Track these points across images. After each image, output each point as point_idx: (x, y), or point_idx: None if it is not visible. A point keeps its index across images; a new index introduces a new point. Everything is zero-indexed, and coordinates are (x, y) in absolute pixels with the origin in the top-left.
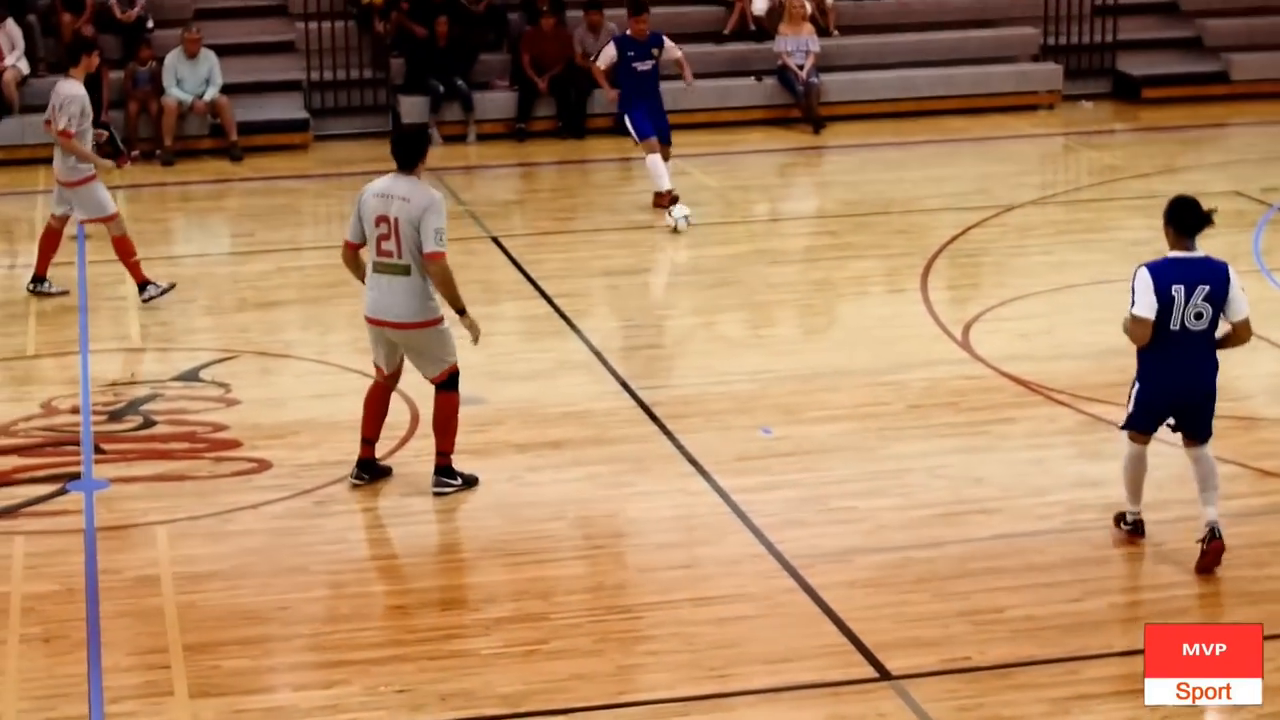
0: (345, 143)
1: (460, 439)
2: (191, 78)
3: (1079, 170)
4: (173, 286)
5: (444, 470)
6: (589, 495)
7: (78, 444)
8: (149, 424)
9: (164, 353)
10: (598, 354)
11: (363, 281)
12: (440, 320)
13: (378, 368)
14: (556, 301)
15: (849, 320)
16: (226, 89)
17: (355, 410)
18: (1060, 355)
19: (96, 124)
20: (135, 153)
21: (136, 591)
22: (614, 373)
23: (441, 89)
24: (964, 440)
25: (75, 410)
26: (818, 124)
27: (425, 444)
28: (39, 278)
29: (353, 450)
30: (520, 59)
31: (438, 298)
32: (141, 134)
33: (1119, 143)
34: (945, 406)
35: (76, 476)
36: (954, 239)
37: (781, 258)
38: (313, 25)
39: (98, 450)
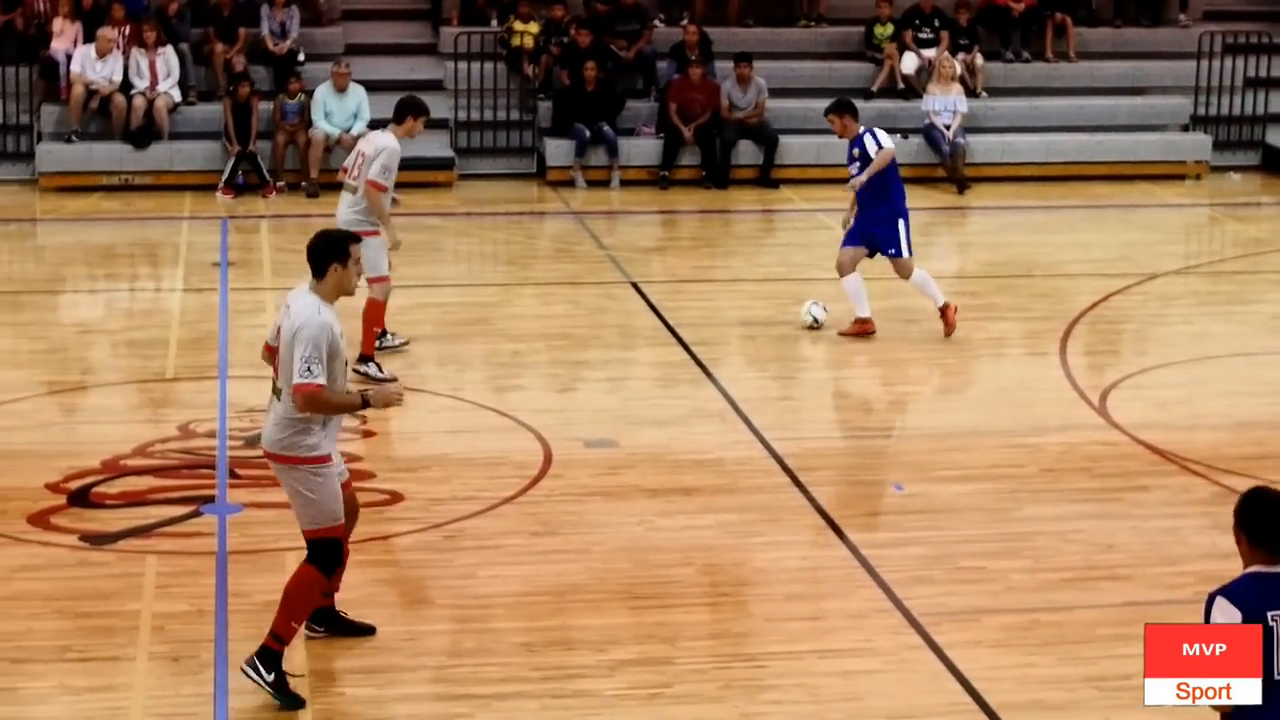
0: (489, 182)
1: (592, 480)
2: (340, 111)
3: (1224, 241)
4: (393, 380)
5: (265, 655)
6: (718, 543)
7: (213, 468)
8: None
9: None
10: (732, 403)
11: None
12: (316, 461)
13: None
14: (693, 349)
15: (986, 381)
16: (374, 124)
17: (488, 447)
18: (1197, 425)
19: (244, 155)
20: (280, 184)
21: (265, 616)
22: (748, 422)
23: (588, 133)
24: (1097, 506)
25: (212, 434)
26: (962, 184)
27: (557, 484)
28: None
29: (485, 487)
30: (667, 107)
31: (318, 436)
32: (288, 165)
33: (1265, 215)
34: (1079, 471)
35: (211, 500)
36: (1095, 305)
37: (920, 315)
38: (462, 65)
39: (232, 475)
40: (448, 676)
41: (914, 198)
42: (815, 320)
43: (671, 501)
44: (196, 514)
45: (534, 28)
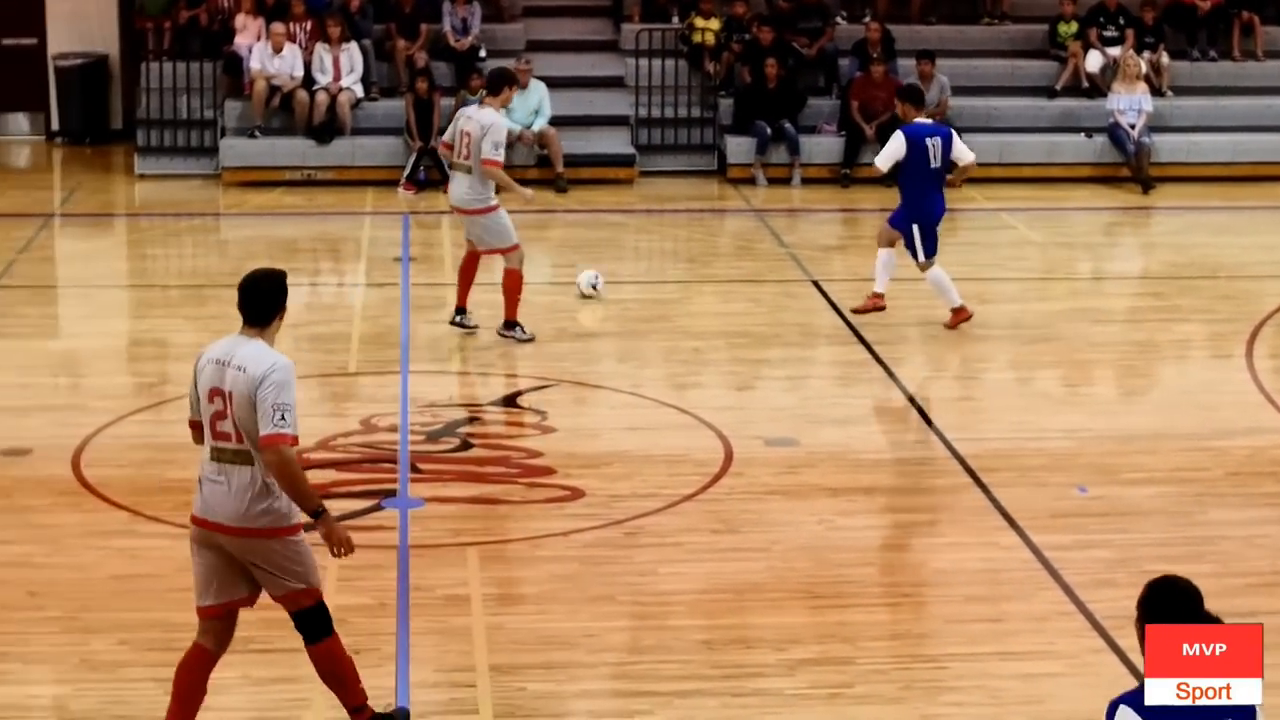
0: (670, 179)
1: (772, 479)
2: (521, 108)
3: None
4: (532, 339)
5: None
6: (898, 542)
7: (395, 462)
8: (465, 446)
9: (483, 377)
10: (913, 402)
11: None
12: (292, 531)
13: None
14: (874, 348)
15: (1170, 383)
16: (555, 121)
17: (669, 444)
18: None
19: (425, 150)
20: None
21: (446, 610)
22: (929, 422)
23: (769, 131)
24: None
25: (394, 429)
26: (1147, 184)
27: (738, 482)
28: (461, 309)
29: (666, 484)
30: (849, 105)
31: (286, 499)
32: None
33: None
34: (1266, 475)
35: (392, 494)
36: None
37: (1104, 317)
38: (643, 62)
39: (414, 469)
40: (628, 673)
41: (1097, 197)
42: (593, 287)
43: (852, 501)
44: (378, 508)
45: (715, 24)
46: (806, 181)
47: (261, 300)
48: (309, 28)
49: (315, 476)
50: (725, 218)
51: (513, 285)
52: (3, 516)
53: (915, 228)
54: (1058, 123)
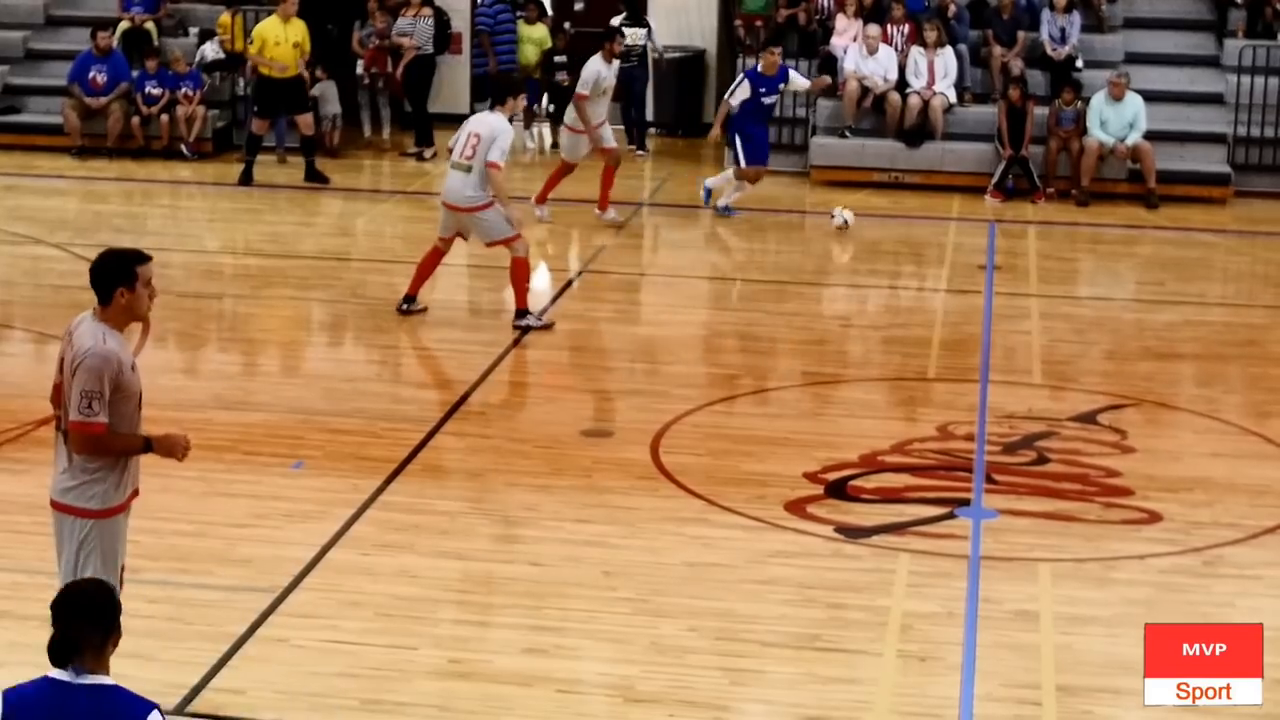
0: (1267, 201)
1: None
2: (1115, 120)
3: None
4: (550, 326)
5: None
6: None
7: (970, 471)
8: (1043, 460)
9: (1061, 391)
10: None
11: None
12: (102, 514)
13: None
14: None
15: None
16: (1150, 135)
17: (1253, 474)
18: None
19: (1016, 159)
20: (1050, 190)
21: (1014, 624)
22: None
23: None
24: None
25: (970, 438)
26: None
27: None
28: (410, 296)
29: (1247, 514)
30: None
31: (108, 484)
32: (1059, 172)
33: None
34: None
35: (966, 503)
36: None
37: None
38: (1244, 79)
39: (989, 480)
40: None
41: None
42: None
43: None
44: (951, 516)
45: None
46: None
47: (99, 278)
48: (906, 30)
49: (890, 480)
50: None
51: (521, 274)
52: (582, 495)
53: None
54: None
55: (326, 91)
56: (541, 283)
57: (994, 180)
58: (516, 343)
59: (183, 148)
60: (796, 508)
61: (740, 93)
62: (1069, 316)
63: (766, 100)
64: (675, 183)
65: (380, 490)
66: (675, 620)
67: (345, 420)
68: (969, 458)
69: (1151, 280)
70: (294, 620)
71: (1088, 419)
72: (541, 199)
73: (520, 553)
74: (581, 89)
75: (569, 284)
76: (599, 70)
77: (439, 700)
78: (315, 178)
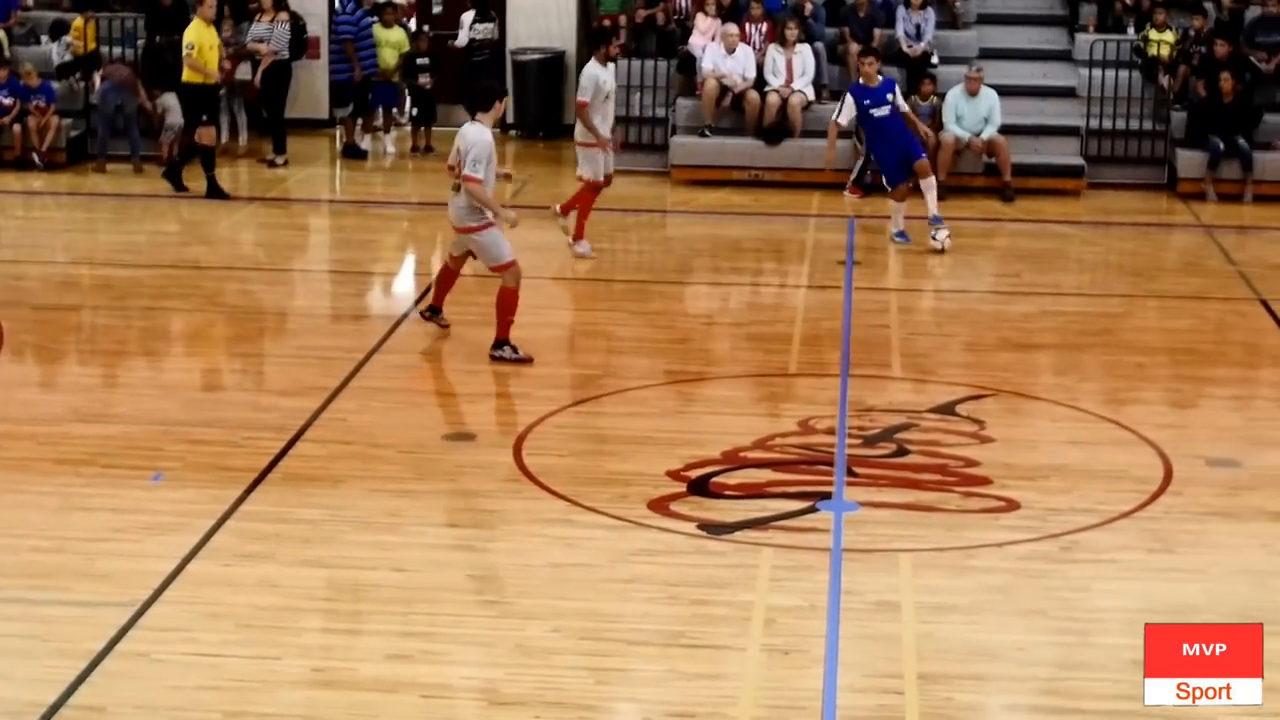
0: (1118, 192)
1: (1212, 500)
2: (971, 115)
3: None
4: (529, 360)
5: None
6: None
7: (831, 464)
8: (902, 452)
9: (921, 384)
10: None
11: None
12: None
13: None
14: None
15: None
16: (1004, 129)
17: (1108, 460)
18: None
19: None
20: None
21: (876, 615)
22: None
23: (1221, 146)
24: None
25: (831, 431)
26: None
27: (1176, 501)
28: (435, 308)
29: (1103, 500)
30: None
31: None
32: None
33: None
34: None
35: (828, 496)
36: None
37: None
38: (1096, 73)
39: (850, 473)
40: (1057, 689)
41: None
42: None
43: None
44: (812, 510)
45: (1170, 37)
46: (1258, 199)
47: None
48: (764, 29)
49: (753, 476)
50: (1173, 233)
51: (506, 304)
52: (446, 500)
53: None
54: None
55: (168, 102)
56: (404, 285)
57: (852, 177)
58: (378, 348)
59: (35, 157)
60: (660, 506)
61: (846, 111)
62: (927, 310)
63: (876, 113)
64: (536, 185)
65: (241, 500)
66: (540, 622)
67: (205, 430)
68: (830, 452)
69: (1008, 272)
70: (154, 634)
71: (947, 410)
72: (579, 234)
73: (384, 559)
74: (582, 96)
75: (429, 288)
76: (597, 75)
77: (303, 710)
78: (216, 193)
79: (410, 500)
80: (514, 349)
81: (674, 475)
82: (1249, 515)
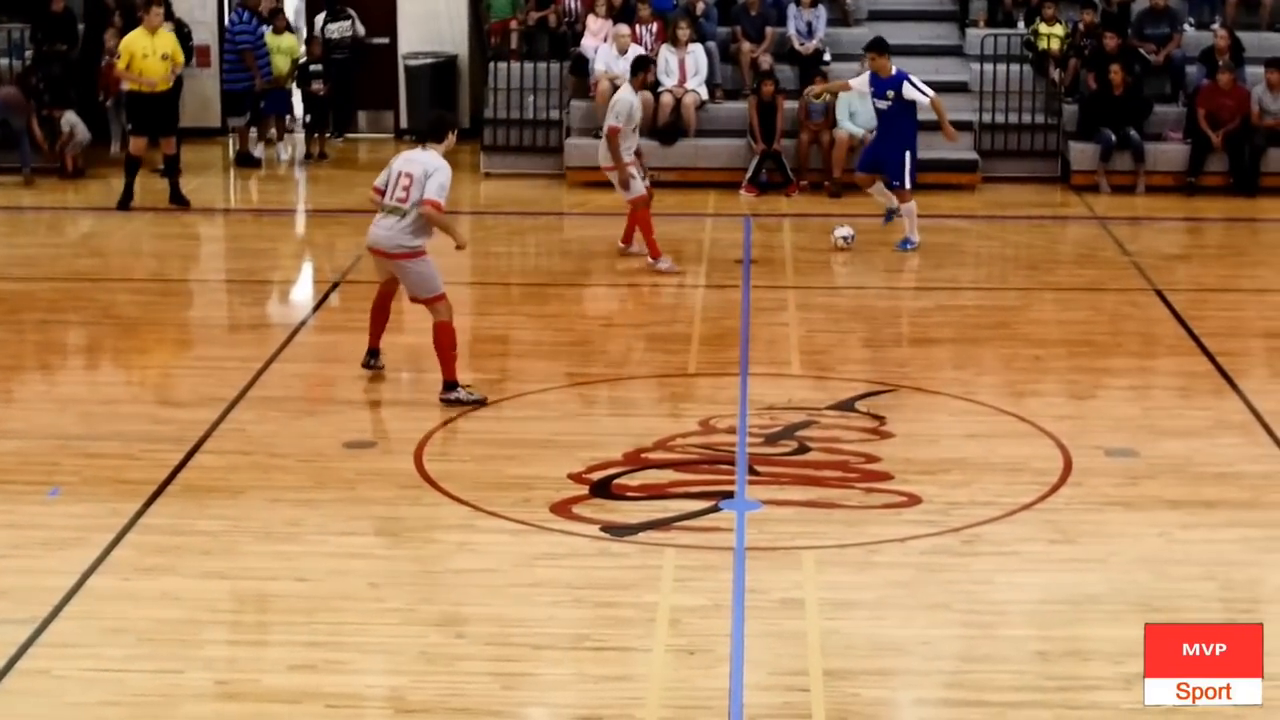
0: (1013, 185)
1: (1111, 490)
2: (864, 112)
3: None
4: (483, 402)
5: None
6: (1240, 558)
7: (733, 463)
8: (803, 450)
9: (820, 381)
10: (1257, 416)
11: None
12: None
13: None
14: (1218, 359)
15: None
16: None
17: (1008, 453)
18: None
19: (768, 154)
20: (803, 183)
21: (781, 612)
22: (1273, 436)
23: (1113, 138)
24: None
25: (732, 430)
26: None
27: (1076, 492)
28: (374, 350)
29: (1003, 492)
30: (1195, 112)
31: None
32: (811, 165)
33: None
34: None
35: (730, 495)
36: None
37: None
38: (988, 68)
39: (752, 471)
40: (962, 682)
41: None
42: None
43: (1193, 514)
44: (715, 509)
45: (1060, 30)
46: (1151, 189)
47: None
48: (655, 29)
49: (655, 477)
50: (1068, 225)
51: (446, 341)
52: (347, 508)
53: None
54: None
55: (71, 119)
56: (302, 293)
57: (748, 175)
58: (275, 357)
59: None
60: (562, 509)
61: (860, 83)
62: (825, 306)
63: (878, 105)
64: None
65: (140, 513)
66: (444, 628)
67: (102, 444)
68: (731, 451)
69: (904, 268)
70: (55, 650)
71: (846, 406)
72: (654, 253)
73: (286, 569)
74: (616, 121)
75: (327, 295)
76: (632, 101)
77: None
78: (178, 200)
79: (311, 509)
80: (467, 390)
81: (576, 478)
82: (1148, 504)
